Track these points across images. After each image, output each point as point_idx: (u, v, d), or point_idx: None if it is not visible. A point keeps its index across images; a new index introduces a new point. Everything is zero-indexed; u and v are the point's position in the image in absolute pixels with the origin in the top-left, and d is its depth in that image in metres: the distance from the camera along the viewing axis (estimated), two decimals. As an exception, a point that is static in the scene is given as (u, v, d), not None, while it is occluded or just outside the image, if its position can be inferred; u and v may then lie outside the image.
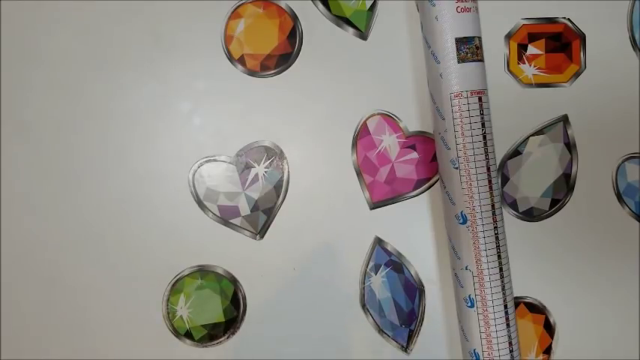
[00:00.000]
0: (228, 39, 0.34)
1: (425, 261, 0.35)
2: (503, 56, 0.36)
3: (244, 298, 0.35)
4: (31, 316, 0.35)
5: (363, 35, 0.35)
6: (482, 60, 0.30)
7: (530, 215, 0.36)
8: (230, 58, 0.34)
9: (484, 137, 0.30)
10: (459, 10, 0.30)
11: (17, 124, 0.34)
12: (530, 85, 0.36)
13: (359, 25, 0.35)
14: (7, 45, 0.34)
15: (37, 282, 0.35)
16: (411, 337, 0.35)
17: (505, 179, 0.36)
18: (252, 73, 0.34)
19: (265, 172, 0.35)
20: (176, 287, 0.35)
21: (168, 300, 0.35)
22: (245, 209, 0.35)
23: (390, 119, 0.35)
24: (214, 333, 0.35)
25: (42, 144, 0.34)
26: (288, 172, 0.35)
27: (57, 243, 0.35)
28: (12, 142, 0.34)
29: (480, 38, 0.30)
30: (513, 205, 0.36)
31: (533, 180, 0.36)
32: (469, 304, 0.30)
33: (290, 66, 0.35)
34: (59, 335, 0.35)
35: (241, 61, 0.34)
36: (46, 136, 0.34)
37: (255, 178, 0.35)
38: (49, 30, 0.34)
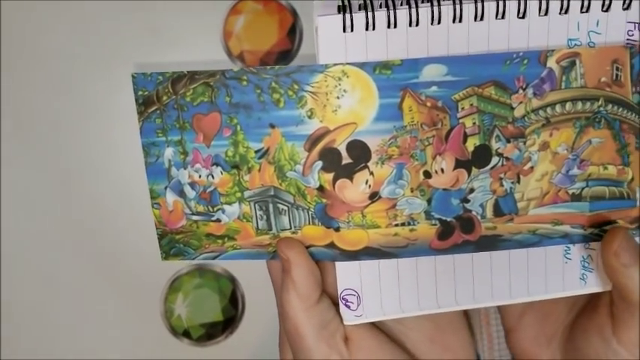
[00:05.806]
0: (227, 35, 0.34)
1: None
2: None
3: (243, 297, 0.35)
4: (31, 316, 0.35)
5: (363, 31, 0.35)
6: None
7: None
8: (229, 54, 0.34)
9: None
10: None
11: (17, 123, 0.34)
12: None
13: (359, 21, 0.35)
14: (7, 45, 0.34)
15: (36, 282, 0.35)
16: (412, 337, 0.35)
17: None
18: (251, 69, 0.34)
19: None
20: (174, 286, 0.35)
21: (166, 299, 0.35)
22: (244, 207, 0.35)
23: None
24: (212, 332, 0.35)
25: (41, 143, 0.34)
26: (288, 169, 0.35)
27: (55, 242, 0.35)
28: (11, 142, 0.34)
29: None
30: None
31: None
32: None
33: (290, 63, 0.35)
34: (58, 335, 0.35)
35: (240, 57, 0.34)
36: (45, 136, 0.34)
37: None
38: (48, 29, 0.34)
